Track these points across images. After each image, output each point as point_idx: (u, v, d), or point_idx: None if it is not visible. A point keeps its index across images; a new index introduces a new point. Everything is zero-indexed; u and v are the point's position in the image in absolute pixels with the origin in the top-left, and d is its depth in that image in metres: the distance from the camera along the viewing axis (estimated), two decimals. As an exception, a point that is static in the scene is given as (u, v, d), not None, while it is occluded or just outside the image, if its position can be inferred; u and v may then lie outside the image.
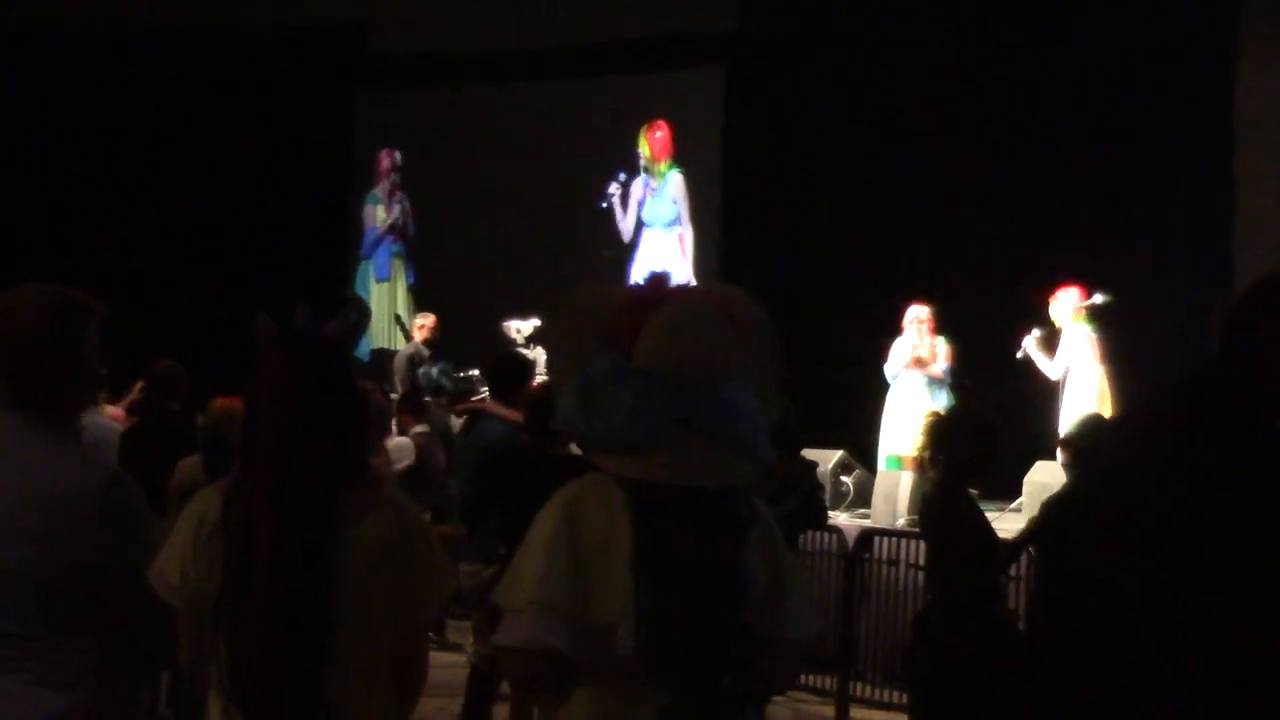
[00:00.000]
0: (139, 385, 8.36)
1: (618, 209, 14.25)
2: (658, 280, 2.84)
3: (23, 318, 2.90)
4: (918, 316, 10.29)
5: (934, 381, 10.18)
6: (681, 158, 14.82)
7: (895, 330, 10.40)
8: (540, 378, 11.07)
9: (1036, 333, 9.88)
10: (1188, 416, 2.59)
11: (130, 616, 2.85)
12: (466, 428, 7.52)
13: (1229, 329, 2.62)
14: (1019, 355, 9.93)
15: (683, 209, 14.08)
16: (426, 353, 11.71)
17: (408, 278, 14.92)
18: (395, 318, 14.46)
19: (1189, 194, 12.43)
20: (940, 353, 10.21)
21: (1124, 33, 12.72)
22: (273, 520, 2.71)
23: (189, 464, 5.98)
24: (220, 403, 5.76)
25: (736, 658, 2.59)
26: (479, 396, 9.54)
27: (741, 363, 2.70)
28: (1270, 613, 2.39)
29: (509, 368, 7.46)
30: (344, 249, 16.25)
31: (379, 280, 15.12)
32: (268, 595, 2.69)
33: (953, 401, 9.99)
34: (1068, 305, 9.77)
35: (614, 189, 14.21)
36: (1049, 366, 9.78)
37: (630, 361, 2.65)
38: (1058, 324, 9.82)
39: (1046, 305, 10.16)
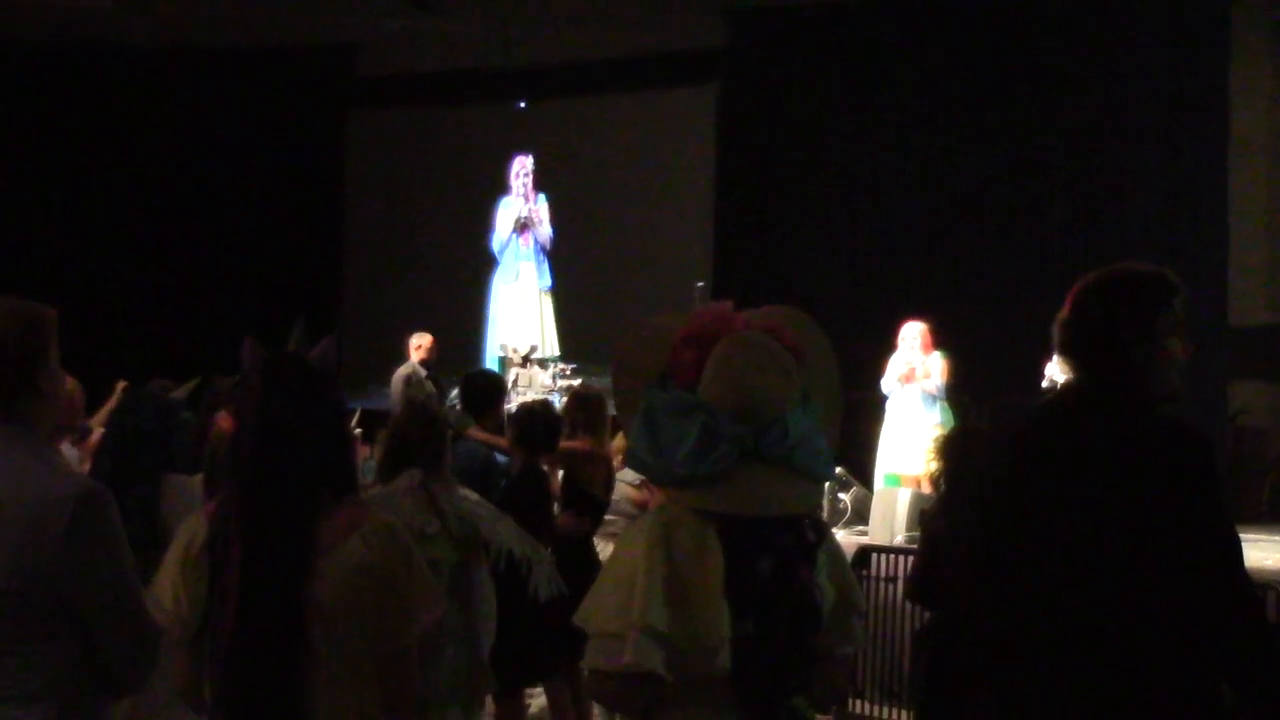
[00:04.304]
0: (121, 386, 8.29)
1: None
2: (717, 314, 2.89)
3: None
4: (913, 334, 10.27)
5: (931, 398, 10.15)
6: (675, 175, 14.85)
7: (891, 347, 10.38)
8: (524, 398, 11.05)
9: (1057, 359, 9.74)
10: (1085, 408, 2.98)
11: (98, 633, 2.80)
12: None
13: (1094, 340, 3.06)
14: (1045, 385, 9.83)
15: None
16: (424, 373, 11.69)
17: (539, 280, 14.11)
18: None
19: (1183, 208, 12.45)
20: (936, 369, 10.18)
21: (1117, 53, 12.76)
22: (244, 544, 2.69)
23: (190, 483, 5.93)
24: (225, 424, 5.71)
25: (804, 678, 2.75)
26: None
27: (799, 388, 2.81)
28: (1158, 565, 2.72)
29: (482, 387, 7.40)
30: (338, 266, 16.22)
31: (507, 284, 14.25)
32: (238, 619, 2.67)
33: (950, 417, 9.96)
34: None
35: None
36: None
37: (694, 395, 2.75)
38: None
39: (1041, 319, 10.12)
